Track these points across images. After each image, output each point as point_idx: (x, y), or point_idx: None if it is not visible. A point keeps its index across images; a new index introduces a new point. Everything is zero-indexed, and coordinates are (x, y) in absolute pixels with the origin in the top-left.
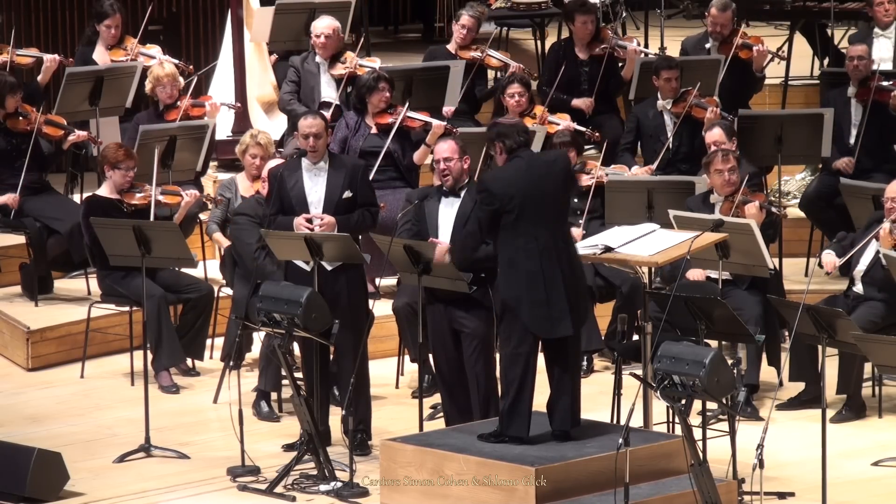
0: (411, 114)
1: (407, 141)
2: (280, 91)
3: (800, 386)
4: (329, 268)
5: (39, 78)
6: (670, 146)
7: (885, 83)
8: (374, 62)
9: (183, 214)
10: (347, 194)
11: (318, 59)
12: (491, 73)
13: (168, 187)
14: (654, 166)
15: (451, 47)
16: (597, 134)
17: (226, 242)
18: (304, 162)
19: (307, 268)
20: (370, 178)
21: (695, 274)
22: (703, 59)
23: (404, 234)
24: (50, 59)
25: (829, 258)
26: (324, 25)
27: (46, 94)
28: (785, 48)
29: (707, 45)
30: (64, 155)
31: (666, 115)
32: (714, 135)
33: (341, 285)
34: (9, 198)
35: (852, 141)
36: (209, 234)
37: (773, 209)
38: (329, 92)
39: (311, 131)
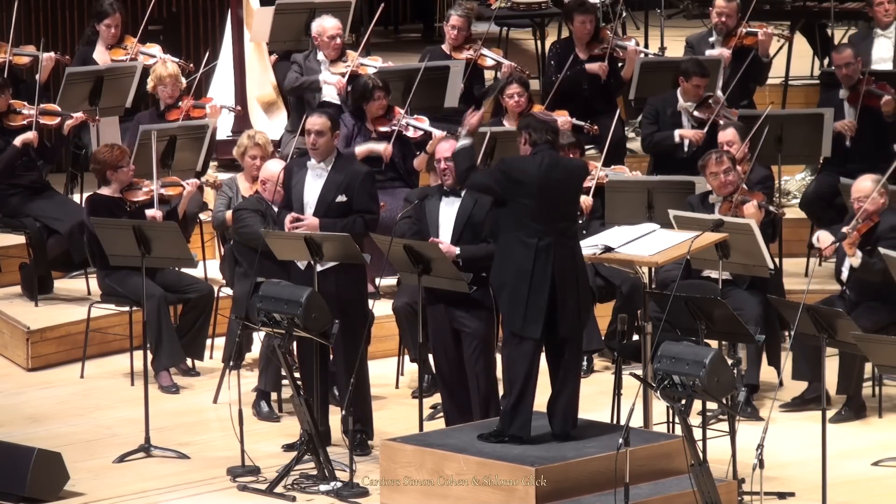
0: (410, 121)
1: (406, 145)
2: (285, 81)
3: (801, 385)
4: (320, 268)
5: (38, 76)
6: (685, 148)
7: (874, 88)
8: (376, 61)
9: (185, 204)
10: (341, 198)
11: (320, 56)
12: (490, 74)
13: (168, 179)
14: (704, 131)
15: (445, 48)
16: (595, 128)
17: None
18: (311, 161)
19: (301, 265)
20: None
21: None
22: (707, 58)
23: (402, 233)
24: (47, 58)
25: (825, 237)
26: (333, 25)
27: (46, 93)
28: (784, 49)
29: (711, 40)
30: (66, 144)
31: (684, 116)
32: (727, 135)
33: (338, 285)
34: (30, 134)
35: (847, 143)
36: (218, 224)
37: (772, 208)
38: (330, 90)
39: (312, 128)
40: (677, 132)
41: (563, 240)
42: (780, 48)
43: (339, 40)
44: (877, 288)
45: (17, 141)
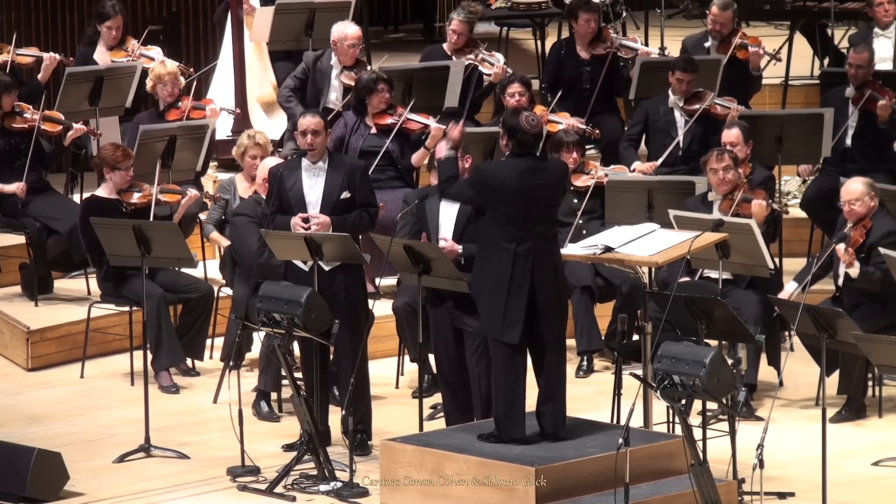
0: (411, 116)
1: (406, 142)
2: (281, 87)
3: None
4: (327, 268)
5: (40, 76)
6: (681, 144)
7: (875, 92)
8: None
9: (182, 213)
10: (346, 195)
11: (332, 61)
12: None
13: (167, 185)
14: (658, 163)
15: (447, 47)
16: (596, 131)
17: (225, 242)
18: (304, 161)
19: (305, 267)
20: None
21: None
22: (703, 59)
23: (403, 235)
24: (49, 58)
25: (790, 289)
26: (354, 33)
27: (47, 93)
28: (783, 50)
29: (707, 44)
30: (65, 152)
31: (677, 111)
32: (731, 135)
33: (339, 285)
34: (16, 187)
35: (848, 142)
36: (206, 235)
37: (774, 206)
38: (334, 97)
39: (309, 128)
40: (634, 164)
41: (542, 244)
42: (780, 48)
43: (356, 49)
44: (874, 292)
45: (12, 188)
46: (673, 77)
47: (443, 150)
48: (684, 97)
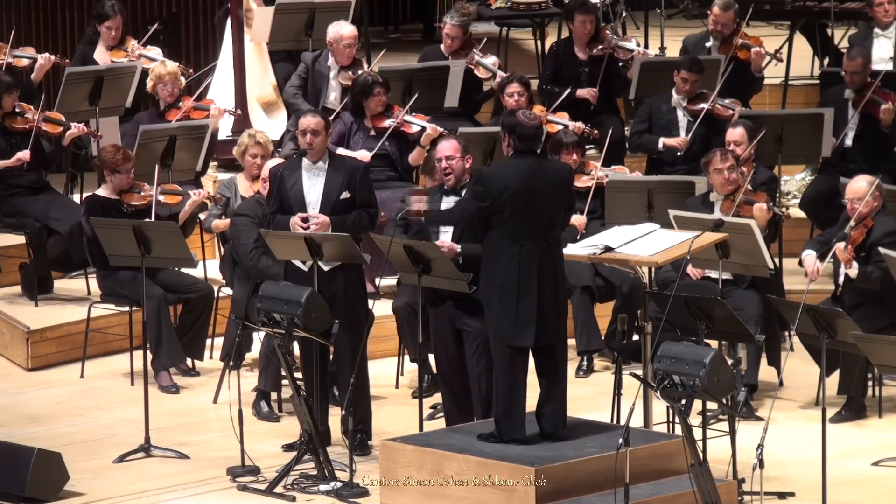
0: (408, 118)
1: (405, 142)
2: (286, 85)
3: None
4: (326, 268)
5: (33, 76)
6: (679, 153)
7: (876, 96)
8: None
9: (189, 211)
10: (345, 195)
11: (330, 62)
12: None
13: (168, 186)
14: (688, 138)
15: (444, 49)
16: (595, 132)
17: (225, 225)
18: (304, 161)
19: (305, 267)
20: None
21: (694, 272)
22: (704, 59)
23: (400, 233)
24: (44, 59)
25: (810, 261)
26: (350, 33)
27: (45, 94)
28: (783, 50)
29: (708, 44)
30: (64, 152)
31: (679, 111)
32: (736, 133)
33: (339, 285)
34: (15, 158)
35: (849, 142)
36: (206, 227)
37: (777, 210)
38: (333, 97)
39: (309, 128)
40: (661, 140)
41: (544, 246)
42: (780, 48)
43: (353, 49)
44: (874, 291)
45: (12, 160)
46: (678, 76)
47: (445, 149)
48: (688, 97)
